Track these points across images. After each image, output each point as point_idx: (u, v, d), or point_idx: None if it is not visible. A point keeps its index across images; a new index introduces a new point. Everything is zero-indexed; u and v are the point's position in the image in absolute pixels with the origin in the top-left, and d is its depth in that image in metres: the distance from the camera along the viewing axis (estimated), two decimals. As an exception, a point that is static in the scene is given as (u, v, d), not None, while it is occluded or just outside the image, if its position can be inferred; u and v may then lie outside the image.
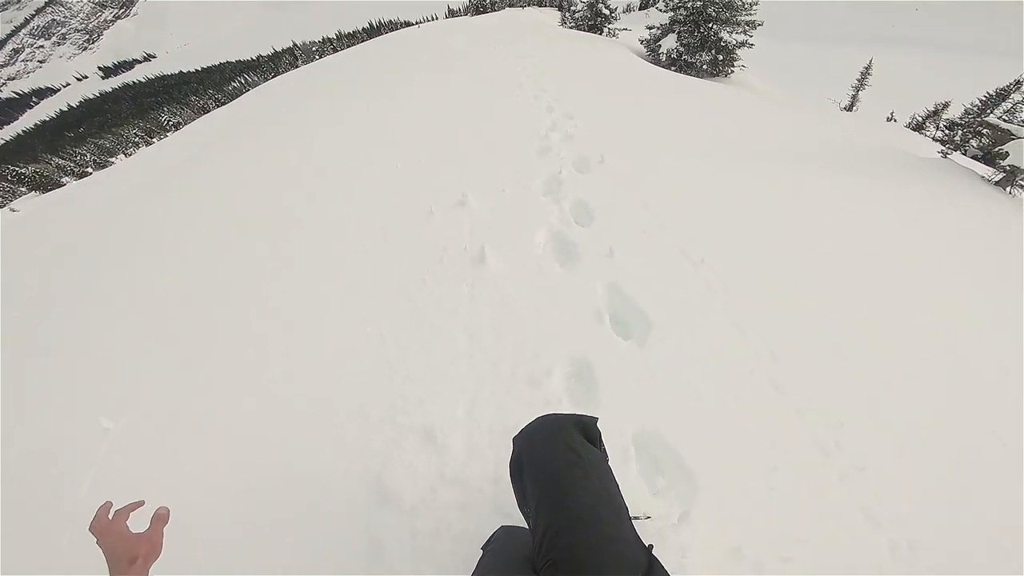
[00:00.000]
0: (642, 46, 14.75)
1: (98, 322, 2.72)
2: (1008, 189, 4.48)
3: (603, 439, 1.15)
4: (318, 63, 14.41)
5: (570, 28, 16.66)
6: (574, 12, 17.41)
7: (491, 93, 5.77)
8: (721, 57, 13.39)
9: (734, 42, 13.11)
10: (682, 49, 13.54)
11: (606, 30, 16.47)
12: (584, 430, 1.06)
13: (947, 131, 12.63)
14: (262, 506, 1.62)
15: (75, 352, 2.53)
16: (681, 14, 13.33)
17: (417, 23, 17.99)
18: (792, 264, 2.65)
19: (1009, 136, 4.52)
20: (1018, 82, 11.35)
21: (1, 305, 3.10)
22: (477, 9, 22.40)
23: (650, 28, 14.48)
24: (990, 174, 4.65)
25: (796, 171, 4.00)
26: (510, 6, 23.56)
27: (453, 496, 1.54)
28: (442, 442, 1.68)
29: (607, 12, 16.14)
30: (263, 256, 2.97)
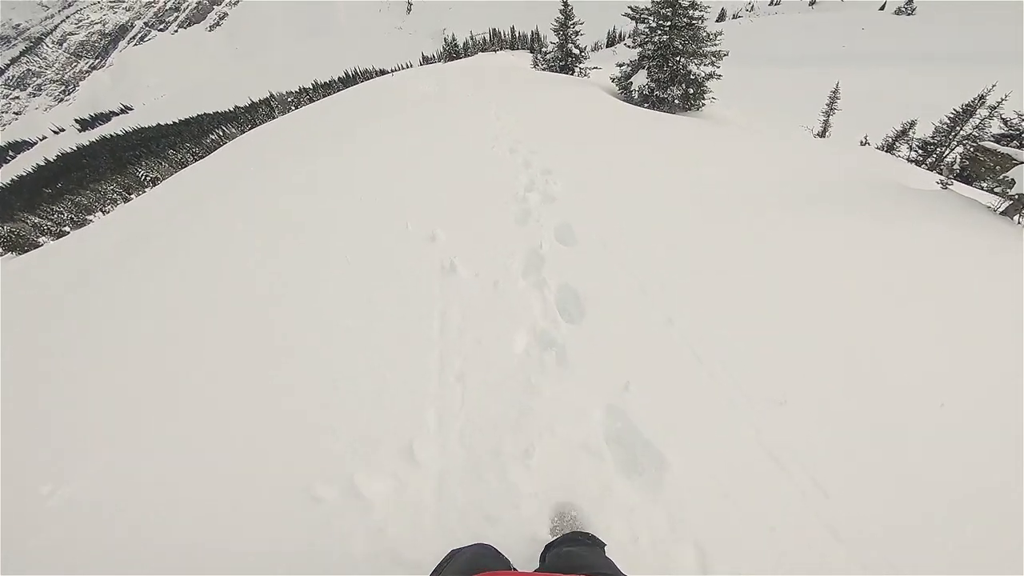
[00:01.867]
0: (614, 84, 14.94)
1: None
2: (1016, 218, 4.26)
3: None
4: (293, 114, 14.29)
5: (542, 70, 16.92)
6: (545, 54, 17.75)
7: (465, 149, 5.50)
8: (692, 91, 13.57)
9: (703, 74, 13.30)
10: (653, 85, 13.71)
11: (577, 70, 16.75)
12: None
13: (920, 151, 12.82)
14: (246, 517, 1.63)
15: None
16: (649, 49, 13.54)
17: (392, 71, 18.14)
18: (811, 338, 2.30)
19: (1010, 161, 4.32)
20: (982, 96, 11.63)
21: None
22: (450, 55, 22.81)
23: (620, 65, 14.70)
24: (995, 203, 4.44)
25: (796, 219, 3.71)
26: (482, 51, 24.09)
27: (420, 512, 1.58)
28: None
29: (577, 52, 16.45)
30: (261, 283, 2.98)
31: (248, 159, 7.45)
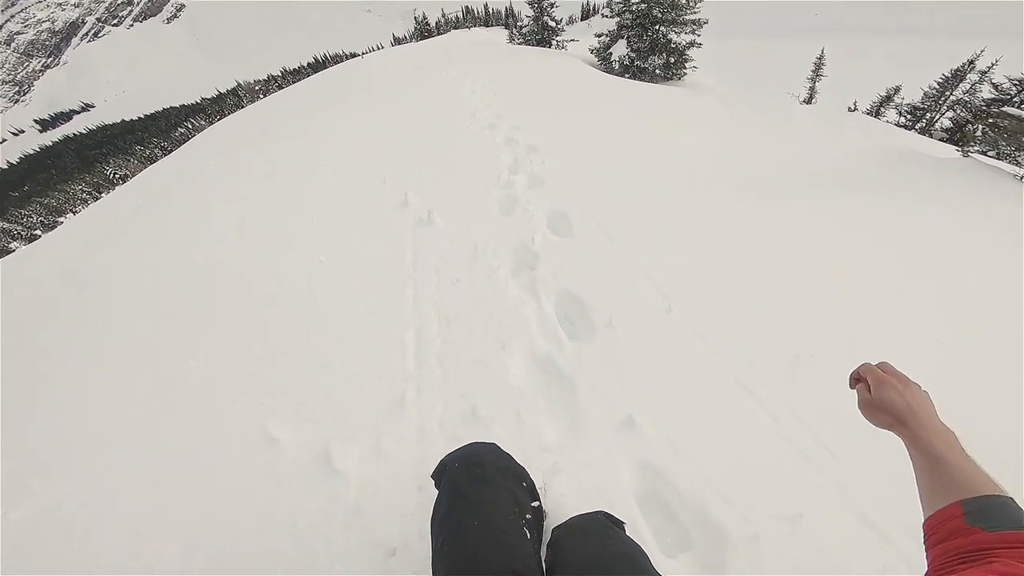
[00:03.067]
0: (592, 55, 14.34)
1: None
2: (1044, 186, 3.90)
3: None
4: (259, 103, 13.44)
5: (518, 44, 16.20)
6: (521, 28, 16.99)
7: (439, 126, 4.95)
8: (672, 59, 13.08)
9: (683, 43, 12.81)
10: (633, 55, 13.17)
11: (555, 43, 16.05)
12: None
13: (909, 116, 12.50)
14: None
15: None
16: (627, 18, 12.98)
17: (362, 54, 17.21)
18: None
19: None
20: (971, 62, 11.30)
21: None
22: (421, 34, 21.83)
23: (599, 36, 14.10)
24: (1020, 172, 4.08)
25: (818, 198, 3.27)
26: (455, 28, 23.10)
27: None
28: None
29: (553, 24, 15.73)
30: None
31: (214, 149, 6.80)
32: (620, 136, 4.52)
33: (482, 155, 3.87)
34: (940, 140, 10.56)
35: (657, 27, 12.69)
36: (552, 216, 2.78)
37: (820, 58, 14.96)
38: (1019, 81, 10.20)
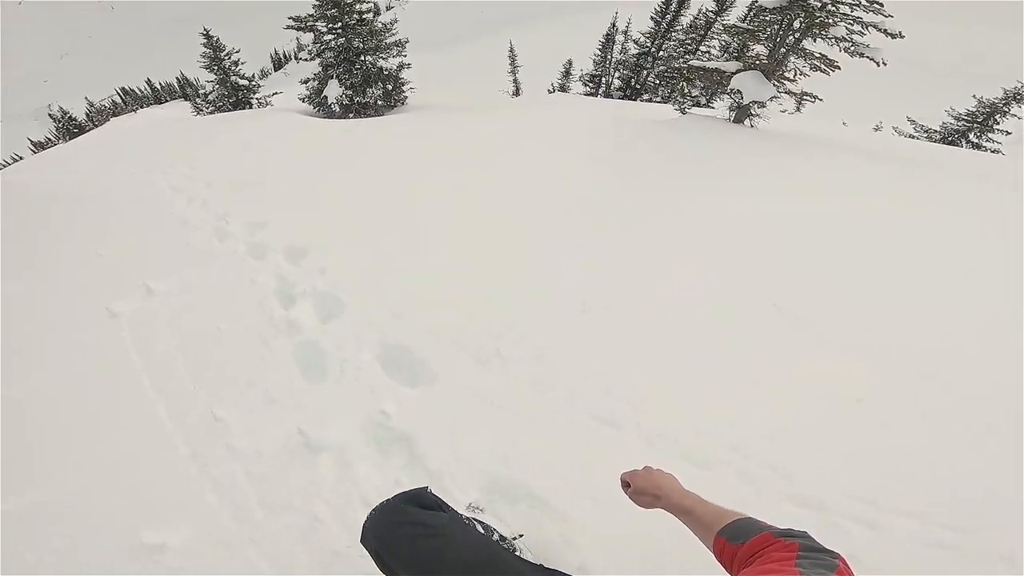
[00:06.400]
0: (306, 103, 13.14)
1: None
2: (748, 123, 4.62)
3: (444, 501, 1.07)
4: None
5: (210, 114, 13.83)
6: (206, 95, 14.56)
7: (142, 259, 3.35)
8: (391, 87, 12.90)
9: (394, 67, 12.73)
10: (350, 92, 12.49)
11: (255, 101, 14.22)
12: (418, 501, 0.99)
13: (591, 84, 14.99)
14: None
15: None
16: (329, 57, 12.22)
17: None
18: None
19: (721, 74, 4.58)
20: (613, 24, 14.06)
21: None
22: (69, 132, 17.03)
23: (304, 82, 12.97)
24: (726, 115, 4.78)
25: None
26: (115, 116, 18.74)
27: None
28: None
29: (246, 82, 13.88)
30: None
31: None
32: (392, 196, 3.75)
33: (232, 285, 2.62)
34: (620, 99, 12.81)
35: (363, 57, 12.25)
36: (386, 354, 1.83)
37: (512, 51, 16.71)
38: (648, 34, 13.11)
